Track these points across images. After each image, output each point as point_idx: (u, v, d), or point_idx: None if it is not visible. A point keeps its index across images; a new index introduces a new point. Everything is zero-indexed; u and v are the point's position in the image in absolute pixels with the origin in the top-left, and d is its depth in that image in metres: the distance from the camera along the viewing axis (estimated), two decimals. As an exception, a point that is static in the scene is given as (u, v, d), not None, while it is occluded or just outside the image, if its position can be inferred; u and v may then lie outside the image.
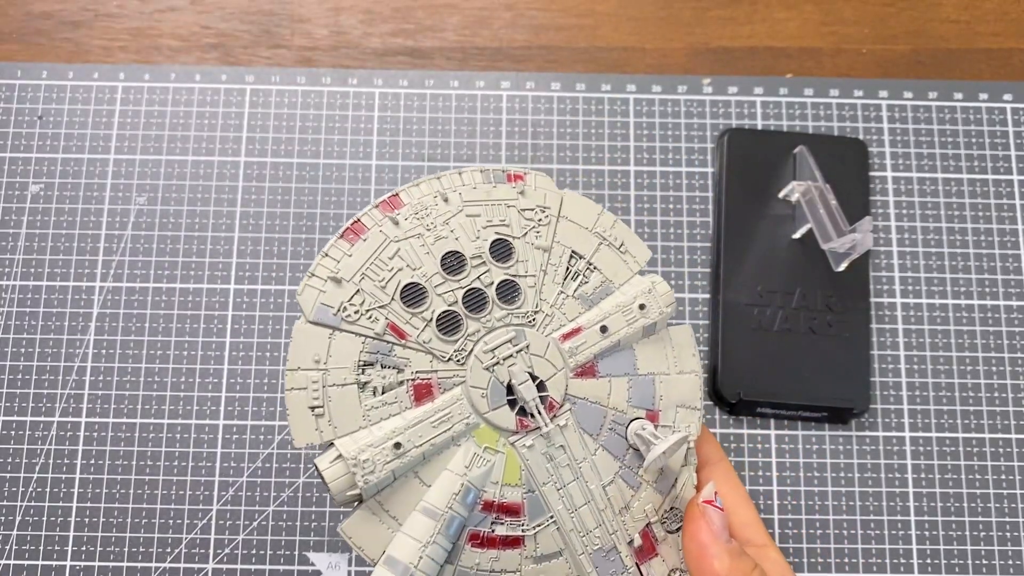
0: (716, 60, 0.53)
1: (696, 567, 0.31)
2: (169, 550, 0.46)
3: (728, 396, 0.47)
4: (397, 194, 0.35)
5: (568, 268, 0.35)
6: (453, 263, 0.34)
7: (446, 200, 0.35)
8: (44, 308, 0.49)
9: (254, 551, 0.46)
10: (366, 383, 0.32)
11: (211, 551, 0.46)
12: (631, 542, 0.33)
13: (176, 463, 0.47)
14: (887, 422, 0.48)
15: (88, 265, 0.49)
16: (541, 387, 0.33)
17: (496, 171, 0.36)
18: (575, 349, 0.34)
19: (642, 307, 0.34)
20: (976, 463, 0.48)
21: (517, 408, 0.33)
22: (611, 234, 0.36)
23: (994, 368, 0.49)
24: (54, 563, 0.46)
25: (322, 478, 0.31)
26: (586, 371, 0.34)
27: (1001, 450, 0.48)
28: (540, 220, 0.35)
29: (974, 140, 0.52)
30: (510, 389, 0.33)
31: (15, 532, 0.46)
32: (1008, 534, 0.47)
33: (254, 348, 0.48)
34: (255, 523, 0.46)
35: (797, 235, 0.49)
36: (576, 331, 0.34)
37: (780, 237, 0.49)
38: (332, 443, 0.32)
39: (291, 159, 0.51)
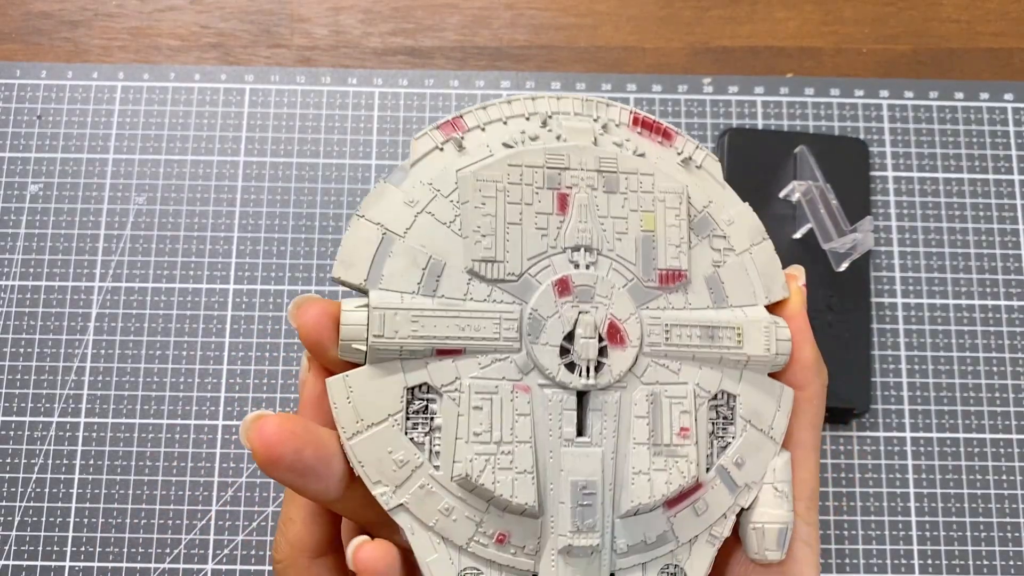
0: (716, 60, 0.53)
1: (791, 357, 0.29)
2: (168, 551, 0.46)
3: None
4: (460, 116, 0.30)
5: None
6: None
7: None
8: (43, 308, 0.49)
9: (253, 552, 0.46)
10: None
11: (210, 551, 0.46)
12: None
13: (175, 463, 0.47)
14: (888, 422, 0.48)
15: (87, 265, 0.49)
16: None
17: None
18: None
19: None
20: (977, 463, 0.47)
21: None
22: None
23: (995, 368, 0.49)
24: (53, 563, 0.46)
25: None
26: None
27: (1002, 450, 0.48)
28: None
29: (975, 140, 0.52)
30: (568, 337, 0.27)
31: (14, 532, 0.46)
32: (1009, 535, 0.47)
33: (253, 348, 0.48)
34: (254, 523, 0.46)
35: (798, 235, 0.49)
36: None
37: (780, 237, 0.49)
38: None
39: (290, 159, 0.51)
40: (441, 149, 0.29)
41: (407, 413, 0.27)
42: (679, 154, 0.30)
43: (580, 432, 0.27)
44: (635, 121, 0.30)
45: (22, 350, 0.48)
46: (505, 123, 0.29)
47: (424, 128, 0.29)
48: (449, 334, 0.27)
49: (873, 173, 0.51)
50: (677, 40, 0.53)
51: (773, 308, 0.30)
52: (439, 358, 0.27)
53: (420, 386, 0.27)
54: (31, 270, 0.49)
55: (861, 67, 0.53)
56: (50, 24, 0.53)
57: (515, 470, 0.26)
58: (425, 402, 0.27)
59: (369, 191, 0.29)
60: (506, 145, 0.29)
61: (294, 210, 0.50)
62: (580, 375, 0.27)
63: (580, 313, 0.27)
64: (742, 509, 0.29)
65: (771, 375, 0.29)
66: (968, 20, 0.54)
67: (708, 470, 0.28)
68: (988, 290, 0.50)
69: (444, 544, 0.27)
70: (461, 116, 0.29)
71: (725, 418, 0.28)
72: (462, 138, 0.29)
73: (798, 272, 0.31)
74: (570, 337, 0.27)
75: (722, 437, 0.28)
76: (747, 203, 0.30)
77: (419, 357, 0.27)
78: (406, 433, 0.27)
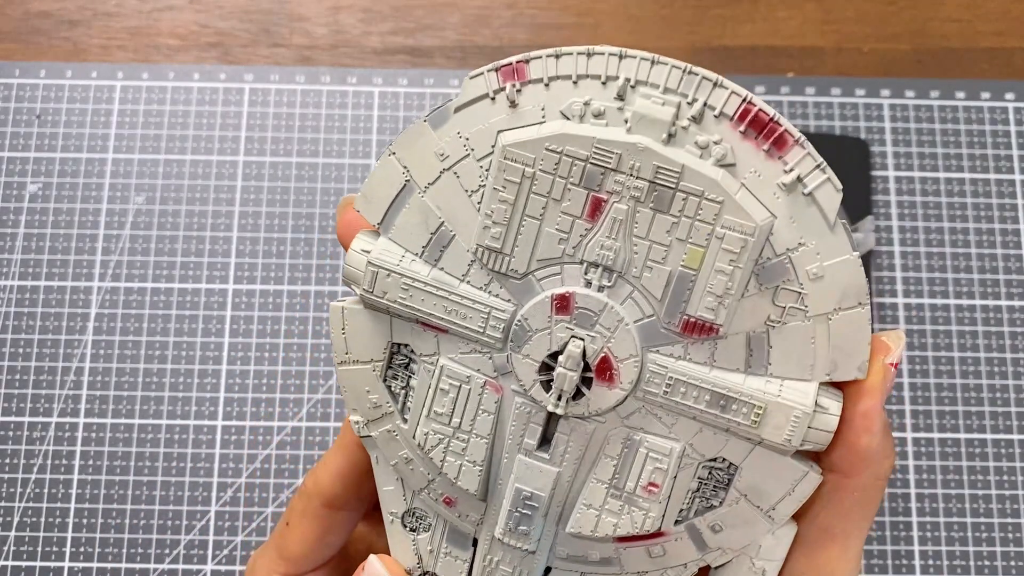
0: (717, 59, 0.53)
1: (842, 438, 0.25)
2: (168, 551, 0.46)
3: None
4: (527, 61, 0.24)
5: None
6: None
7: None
8: (42, 308, 0.49)
9: (253, 552, 0.46)
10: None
11: (210, 552, 0.46)
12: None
13: (175, 464, 0.47)
14: (889, 423, 0.48)
15: (86, 265, 0.49)
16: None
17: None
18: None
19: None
20: (978, 464, 0.47)
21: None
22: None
23: (996, 368, 0.49)
24: (52, 564, 0.45)
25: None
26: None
27: (1003, 451, 0.48)
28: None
29: (976, 139, 0.51)
30: (555, 355, 0.25)
31: (13, 533, 0.46)
32: (1010, 535, 0.47)
33: (252, 348, 0.48)
34: (254, 524, 0.46)
35: (798, 235, 0.49)
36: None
37: (781, 237, 0.49)
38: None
39: (290, 158, 0.51)
40: (492, 99, 0.25)
41: (389, 363, 0.26)
42: (786, 171, 0.24)
43: (545, 444, 0.25)
44: (742, 115, 0.24)
45: (21, 350, 0.48)
46: (575, 83, 0.24)
47: (482, 67, 0.25)
48: (435, 312, 0.25)
49: (874, 173, 0.51)
50: (678, 39, 0.53)
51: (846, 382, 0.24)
52: (424, 328, 0.26)
53: (405, 344, 0.26)
54: (30, 270, 0.49)
55: (862, 66, 0.53)
56: (49, 23, 0.53)
57: (466, 458, 0.25)
58: (408, 359, 0.26)
59: (406, 127, 0.28)
60: (563, 115, 0.24)
61: (293, 210, 0.50)
62: (553, 397, 0.24)
63: (572, 337, 0.24)
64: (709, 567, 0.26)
65: (806, 452, 0.24)
66: (969, 19, 0.54)
67: (677, 523, 0.25)
68: (989, 290, 0.49)
69: (400, 483, 0.27)
70: (527, 61, 0.24)
71: (719, 482, 0.25)
72: (519, 91, 0.24)
73: (895, 344, 0.25)
74: (556, 355, 0.24)
75: (707, 499, 0.25)
76: (856, 254, 0.24)
77: (407, 319, 0.26)
78: (384, 381, 0.26)
